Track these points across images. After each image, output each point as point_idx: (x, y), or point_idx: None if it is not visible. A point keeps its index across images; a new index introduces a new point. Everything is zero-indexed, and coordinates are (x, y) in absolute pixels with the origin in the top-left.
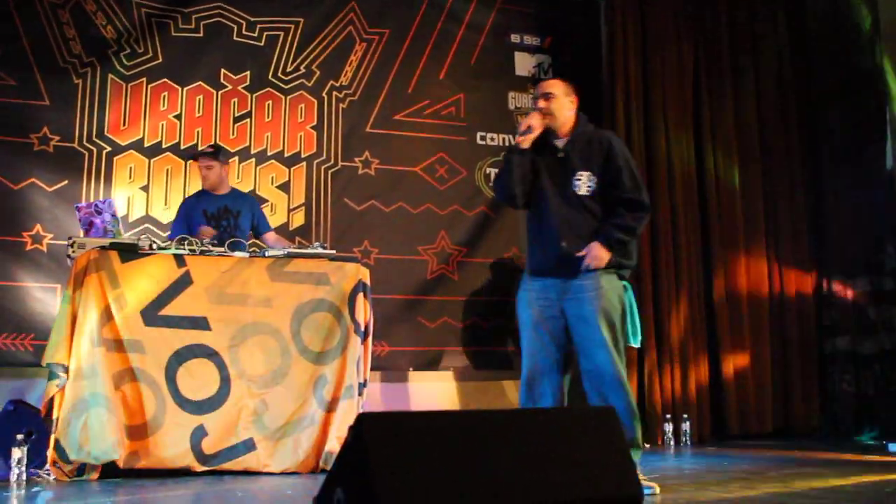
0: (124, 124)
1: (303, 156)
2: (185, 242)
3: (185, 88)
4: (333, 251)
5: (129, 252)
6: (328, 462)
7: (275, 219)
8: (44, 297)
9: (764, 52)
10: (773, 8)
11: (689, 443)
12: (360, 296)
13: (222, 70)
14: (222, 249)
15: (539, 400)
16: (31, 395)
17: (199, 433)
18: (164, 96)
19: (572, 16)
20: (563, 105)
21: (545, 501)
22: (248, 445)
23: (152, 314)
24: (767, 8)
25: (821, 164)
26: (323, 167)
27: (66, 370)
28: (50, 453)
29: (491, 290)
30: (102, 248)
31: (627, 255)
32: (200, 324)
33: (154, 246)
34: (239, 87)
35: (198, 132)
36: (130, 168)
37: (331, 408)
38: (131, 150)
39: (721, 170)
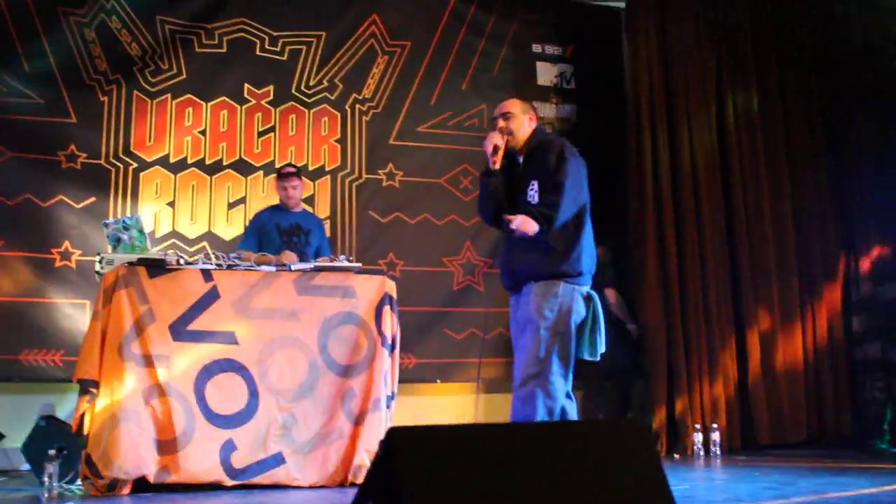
0: (150, 140)
1: (327, 169)
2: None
3: (210, 104)
4: (359, 264)
5: (157, 267)
6: (357, 475)
7: None
8: (73, 313)
9: (787, 56)
10: (796, 11)
11: (718, 453)
12: (387, 308)
13: (246, 85)
14: (249, 264)
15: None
16: (62, 410)
17: (228, 447)
18: (189, 112)
19: (593, 24)
20: (522, 123)
21: None
22: (278, 459)
23: (180, 329)
24: (790, 12)
25: (846, 167)
26: (347, 180)
27: (97, 386)
28: (81, 468)
29: None
30: (130, 263)
31: (569, 260)
32: (228, 338)
33: (181, 261)
34: (262, 102)
35: (222, 147)
36: (156, 184)
37: (359, 421)
38: (157, 166)
39: (747, 176)
